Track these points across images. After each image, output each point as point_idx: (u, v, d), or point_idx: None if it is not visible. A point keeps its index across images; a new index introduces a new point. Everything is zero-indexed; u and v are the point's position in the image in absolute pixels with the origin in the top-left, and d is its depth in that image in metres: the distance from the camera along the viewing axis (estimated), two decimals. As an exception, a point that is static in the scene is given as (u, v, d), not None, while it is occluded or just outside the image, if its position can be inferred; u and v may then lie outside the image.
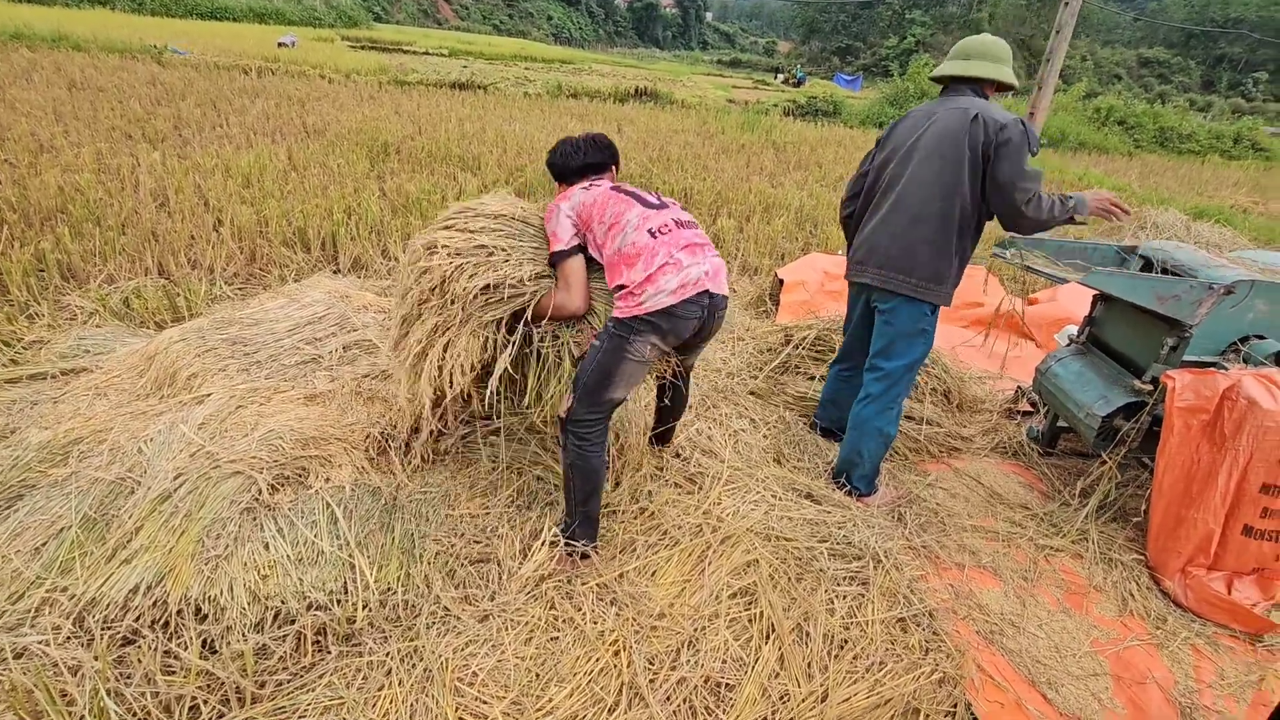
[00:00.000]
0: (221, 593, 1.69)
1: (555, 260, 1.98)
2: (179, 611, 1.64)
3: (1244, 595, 2.13)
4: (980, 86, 2.26)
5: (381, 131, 7.87)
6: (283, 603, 1.70)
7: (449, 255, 1.97)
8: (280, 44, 17.21)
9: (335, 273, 4.24)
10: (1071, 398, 2.59)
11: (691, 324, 1.88)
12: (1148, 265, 2.60)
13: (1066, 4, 11.56)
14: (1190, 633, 2.13)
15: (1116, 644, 2.07)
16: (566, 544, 2.03)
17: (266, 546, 1.83)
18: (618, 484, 2.37)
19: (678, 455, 2.60)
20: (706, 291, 1.86)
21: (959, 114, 2.15)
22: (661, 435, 2.56)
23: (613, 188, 2.05)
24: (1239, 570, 2.15)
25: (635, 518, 2.29)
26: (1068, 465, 2.94)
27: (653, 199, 2.04)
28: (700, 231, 2.03)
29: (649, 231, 1.89)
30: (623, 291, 1.86)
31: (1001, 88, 2.29)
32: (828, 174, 8.36)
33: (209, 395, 2.31)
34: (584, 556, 2.04)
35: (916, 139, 2.25)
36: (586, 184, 2.10)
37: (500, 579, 1.95)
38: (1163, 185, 10.42)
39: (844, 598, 2.01)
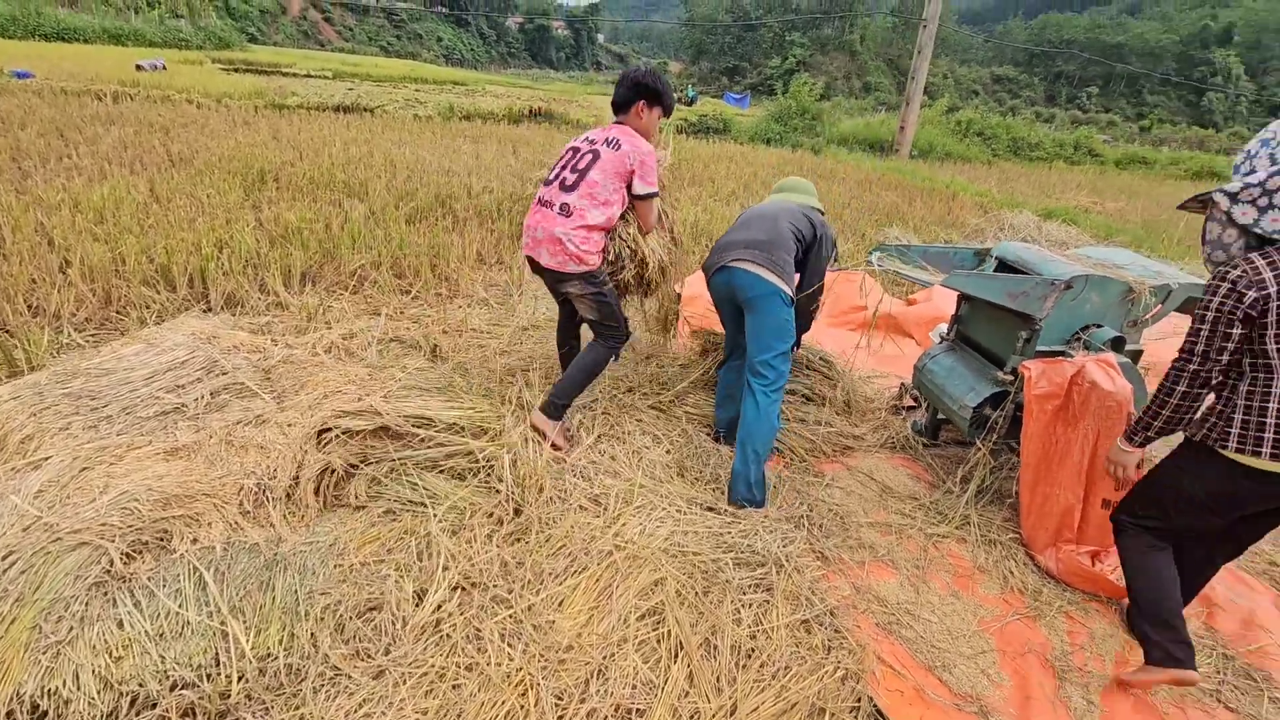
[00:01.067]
0: (65, 683, 1.49)
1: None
2: (9, 714, 1.43)
3: (1107, 565, 2.33)
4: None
5: (257, 158, 7.41)
6: (140, 685, 1.53)
7: None
8: (139, 67, 15.91)
9: (206, 311, 3.92)
10: (946, 391, 2.77)
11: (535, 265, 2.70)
12: (1002, 265, 2.83)
13: (925, 27, 12.62)
14: (1064, 601, 2.31)
15: (1000, 620, 2.21)
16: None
17: (120, 624, 1.64)
18: (519, 512, 2.30)
19: (576, 473, 2.57)
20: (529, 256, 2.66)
21: (819, 219, 2.84)
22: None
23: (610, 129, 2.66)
24: (1104, 543, 2.35)
25: (541, 546, 2.23)
26: (950, 455, 3.14)
27: (585, 142, 2.63)
28: (587, 183, 2.54)
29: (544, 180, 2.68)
30: None
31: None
32: (720, 189, 8.63)
33: (47, 459, 2.06)
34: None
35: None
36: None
37: (395, 628, 1.84)
38: (1018, 190, 11.48)
39: (750, 606, 2.04)
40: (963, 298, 2.92)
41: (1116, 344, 2.42)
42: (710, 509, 2.52)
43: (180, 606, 1.71)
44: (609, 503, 2.43)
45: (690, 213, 7.04)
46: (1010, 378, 2.56)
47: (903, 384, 3.53)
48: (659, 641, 1.88)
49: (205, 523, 1.99)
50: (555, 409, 2.71)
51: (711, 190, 8.55)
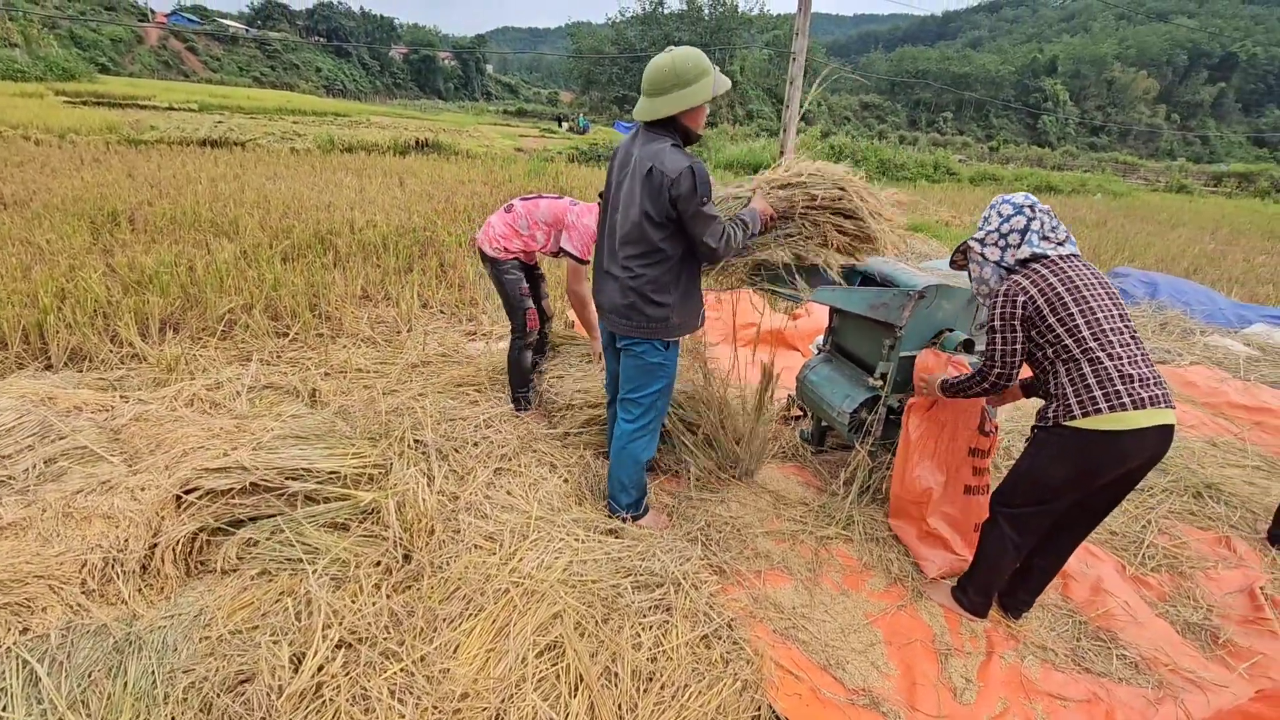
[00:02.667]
0: None
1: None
2: None
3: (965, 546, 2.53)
4: (668, 121, 2.16)
5: (109, 198, 6.81)
6: (-48, 808, 1.32)
7: None
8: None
9: (46, 369, 3.52)
10: (825, 399, 2.93)
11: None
12: (868, 279, 3.04)
13: (794, 60, 13.48)
14: (938, 589, 2.47)
15: (886, 612, 2.33)
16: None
17: (-74, 739, 1.42)
18: (409, 558, 2.20)
19: (473, 511, 2.50)
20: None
21: (643, 166, 2.14)
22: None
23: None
24: (962, 523, 2.54)
25: (433, 591, 2.14)
26: (836, 459, 3.31)
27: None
28: (529, 203, 3.17)
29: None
30: None
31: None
32: (613, 215, 8.76)
33: None
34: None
35: (618, 187, 2.28)
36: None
37: (270, 699, 1.70)
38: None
39: (650, 628, 2.04)
40: (834, 311, 3.11)
41: (967, 345, 2.65)
42: (610, 532, 2.52)
43: (5, 709, 1.50)
44: (505, 538, 2.38)
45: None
46: (880, 382, 2.74)
47: (789, 395, 3.69)
48: (559, 677, 1.85)
49: (38, 609, 1.77)
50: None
51: (604, 217, 8.66)
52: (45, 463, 2.23)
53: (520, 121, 39.73)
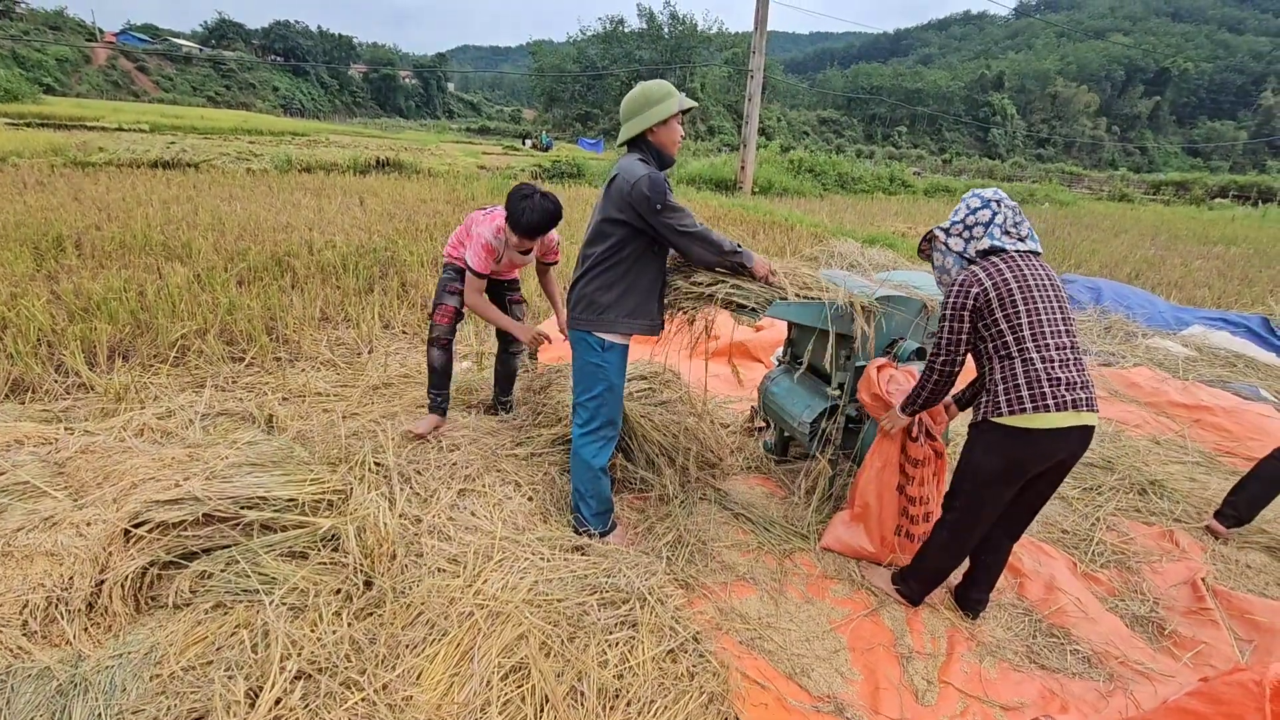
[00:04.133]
0: None
1: None
2: None
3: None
4: (639, 141, 2.36)
5: (54, 222, 6.59)
6: None
7: None
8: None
9: (-15, 402, 3.38)
10: (786, 410, 2.98)
11: None
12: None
13: (752, 77, 13.80)
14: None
15: (849, 619, 2.37)
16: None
17: None
18: (370, 584, 2.17)
19: (436, 533, 2.47)
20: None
21: (609, 177, 2.37)
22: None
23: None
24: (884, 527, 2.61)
25: (396, 617, 2.10)
26: (799, 469, 3.35)
27: None
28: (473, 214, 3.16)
29: None
30: None
31: (665, 122, 2.33)
32: (577, 232, 8.79)
33: None
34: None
35: (597, 201, 2.47)
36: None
37: (224, 738, 1.65)
38: (846, 220, 12.73)
39: (615, 645, 2.04)
40: (791, 323, 3.17)
41: (919, 354, 2.74)
42: (576, 549, 2.51)
43: (-62, 761, 1.43)
44: (469, 560, 2.35)
45: (547, 257, 7.11)
46: (838, 392, 2.81)
47: (752, 407, 3.75)
48: (524, 699, 1.83)
49: (-25, 653, 1.69)
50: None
51: (568, 233, 8.68)
52: (-18, 500, 2.15)
53: (484, 139, 39.70)
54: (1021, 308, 2.00)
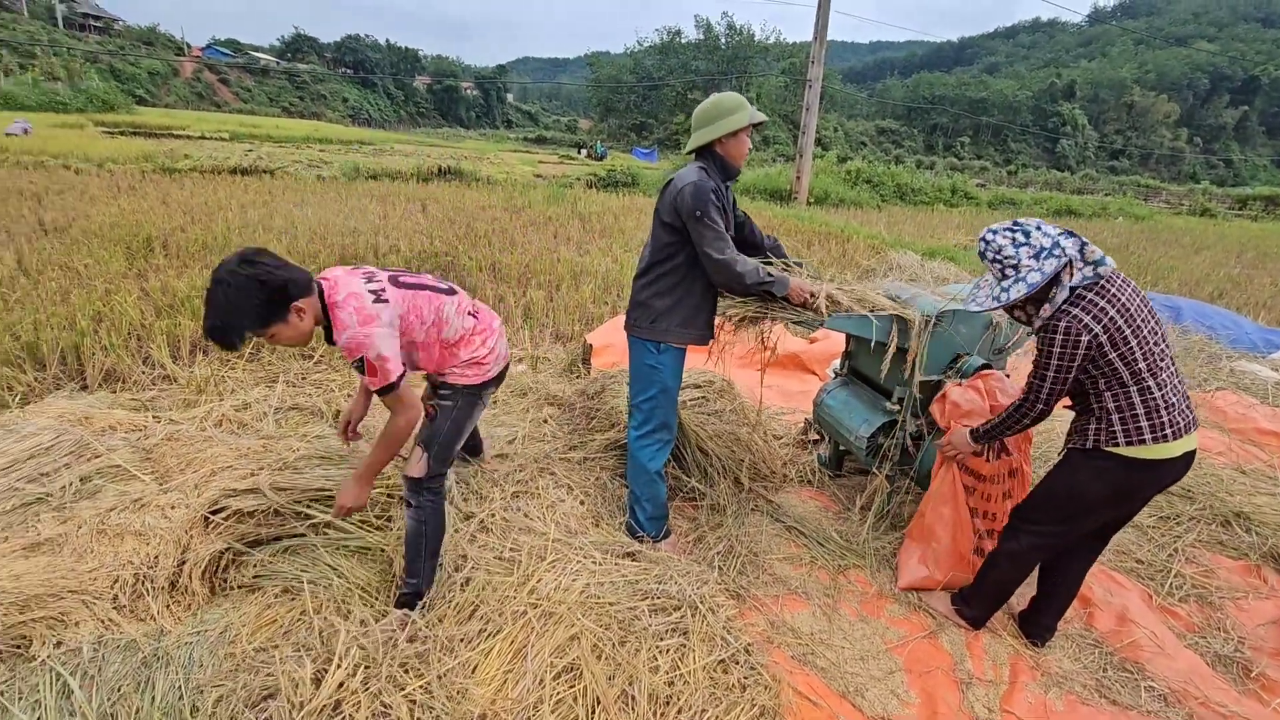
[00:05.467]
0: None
1: (394, 388, 1.89)
2: None
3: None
4: (706, 150, 2.39)
5: (144, 224, 7.04)
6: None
7: None
8: (9, 132, 14.90)
9: (82, 389, 3.63)
10: (842, 423, 2.93)
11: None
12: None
13: (810, 87, 13.66)
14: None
15: (906, 641, 2.31)
16: (411, 612, 2.09)
17: (-36, 748, 1.46)
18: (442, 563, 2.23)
19: (484, 531, 2.52)
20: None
21: (666, 182, 2.41)
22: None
23: (405, 285, 2.03)
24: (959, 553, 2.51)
25: (454, 610, 2.16)
26: (854, 484, 3.29)
27: (442, 283, 2.18)
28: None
29: (469, 314, 2.19)
30: (470, 362, 2.15)
31: (735, 134, 2.35)
32: (630, 240, 8.87)
33: (-122, 568, 1.84)
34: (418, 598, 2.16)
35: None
36: (371, 291, 1.90)
37: (291, 715, 1.72)
38: (904, 231, 12.43)
39: (666, 652, 2.04)
40: (850, 335, 3.12)
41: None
42: (627, 555, 2.52)
43: (39, 720, 1.54)
44: (523, 560, 2.39)
45: (601, 263, 7.20)
46: (897, 406, 2.74)
47: (806, 419, 3.69)
48: (576, 699, 1.85)
49: (72, 623, 1.82)
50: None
51: (622, 241, 8.78)
52: (81, 480, 2.31)
53: (540, 148, 40.46)
54: (1133, 341, 1.87)
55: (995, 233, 1.99)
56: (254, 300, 1.66)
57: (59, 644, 1.76)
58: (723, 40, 49.59)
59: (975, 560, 2.45)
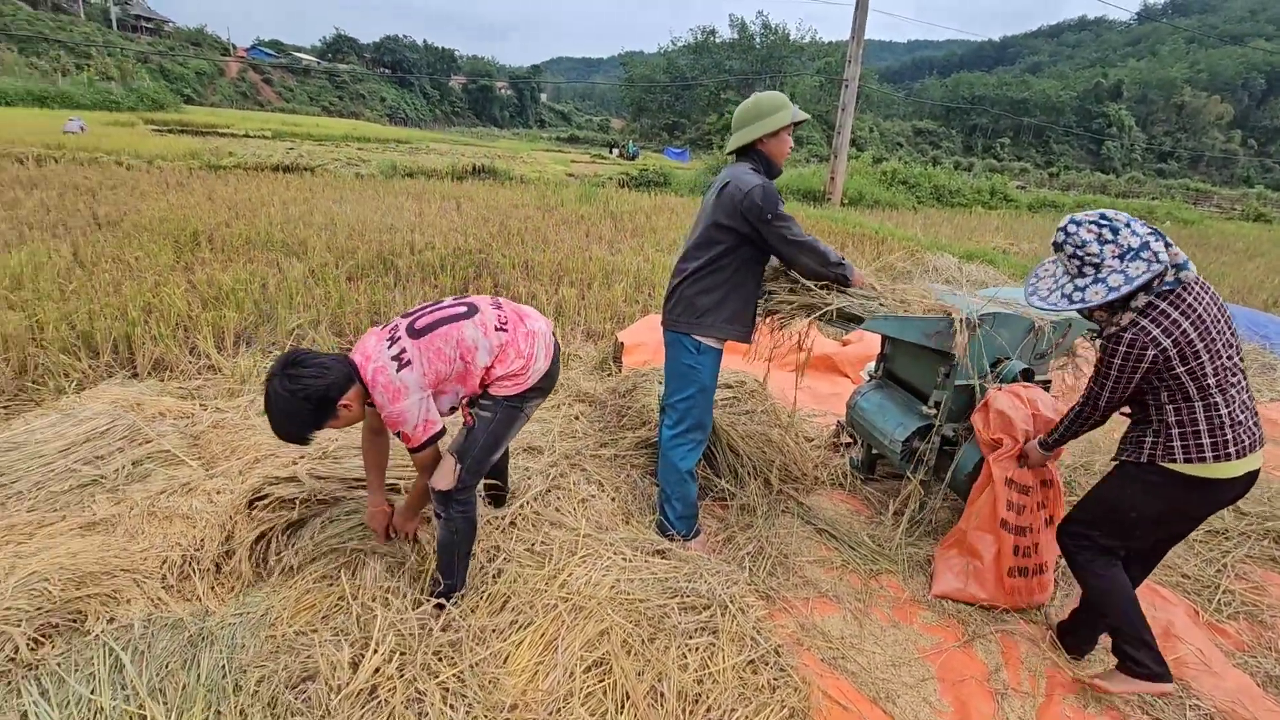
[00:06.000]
0: (-42, 786, 1.38)
1: (422, 449, 1.97)
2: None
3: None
4: (749, 150, 2.41)
5: (191, 219, 7.27)
6: (46, 782, 1.42)
7: None
8: (66, 130, 15.52)
9: (132, 377, 3.77)
10: (876, 427, 2.89)
11: (556, 370, 2.22)
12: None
13: (846, 86, 13.48)
14: (995, 625, 2.39)
15: (939, 648, 2.27)
16: (445, 604, 2.10)
17: (25, 717, 1.53)
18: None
19: (516, 524, 2.55)
20: (555, 341, 2.22)
21: (720, 183, 2.39)
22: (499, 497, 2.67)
23: (421, 330, 1.96)
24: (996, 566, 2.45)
25: (486, 601, 2.19)
26: (887, 488, 3.25)
27: (459, 305, 2.08)
28: (500, 300, 2.22)
29: (497, 329, 2.06)
30: (506, 376, 2.05)
31: (777, 133, 2.37)
32: (662, 239, 8.88)
33: (-53, 541, 1.94)
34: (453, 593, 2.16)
35: (705, 206, 2.50)
36: (394, 358, 1.90)
37: (328, 698, 1.77)
38: (941, 234, 12.20)
39: (696, 650, 2.04)
40: (886, 338, 3.08)
41: (1026, 376, 2.60)
42: (658, 552, 2.53)
43: (93, 692, 1.61)
44: (554, 554, 2.42)
45: (633, 262, 7.22)
46: (934, 410, 2.70)
47: (839, 421, 3.65)
48: (605, 693, 1.86)
49: (124, 600, 1.90)
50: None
51: (653, 241, 8.79)
52: (133, 464, 2.40)
53: (572, 148, 40.70)
54: (1205, 355, 1.75)
55: (1079, 224, 1.83)
56: (302, 412, 1.82)
57: (111, 620, 1.83)
58: (757, 40, 49.29)
59: (1010, 582, 2.39)
